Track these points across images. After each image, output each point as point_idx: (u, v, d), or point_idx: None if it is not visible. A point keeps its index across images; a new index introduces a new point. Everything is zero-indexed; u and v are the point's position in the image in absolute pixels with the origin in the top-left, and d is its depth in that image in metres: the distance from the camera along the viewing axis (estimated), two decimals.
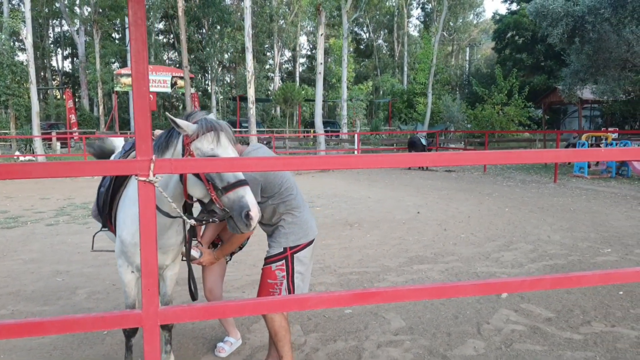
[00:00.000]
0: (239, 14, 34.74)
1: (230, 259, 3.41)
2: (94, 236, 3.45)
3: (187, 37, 24.04)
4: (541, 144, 22.33)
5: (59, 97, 38.65)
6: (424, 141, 18.02)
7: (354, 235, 7.00)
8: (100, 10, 29.03)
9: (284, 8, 41.24)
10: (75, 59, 40.85)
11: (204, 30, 34.87)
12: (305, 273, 2.87)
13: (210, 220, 2.47)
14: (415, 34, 50.88)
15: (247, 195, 2.24)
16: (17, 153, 21.06)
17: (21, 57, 22.21)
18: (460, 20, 49.84)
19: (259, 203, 2.75)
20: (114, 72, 26.74)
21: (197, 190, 2.36)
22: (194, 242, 2.94)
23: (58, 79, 44.45)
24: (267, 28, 41.16)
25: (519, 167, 17.25)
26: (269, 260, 2.81)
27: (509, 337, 3.61)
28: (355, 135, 21.97)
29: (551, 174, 14.23)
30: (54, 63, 46.03)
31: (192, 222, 2.43)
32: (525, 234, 6.93)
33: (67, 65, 46.77)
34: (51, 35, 44.06)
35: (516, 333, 3.68)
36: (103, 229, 3.07)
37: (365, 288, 3.93)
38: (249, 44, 19.73)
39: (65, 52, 45.71)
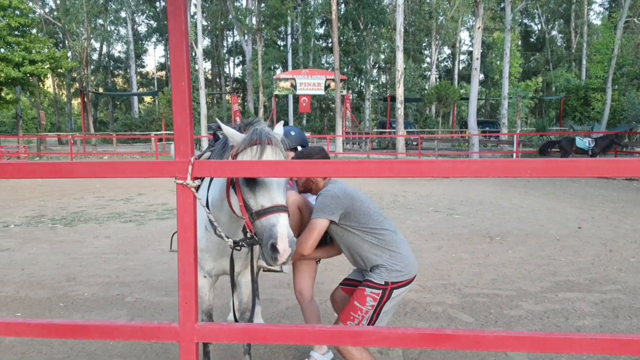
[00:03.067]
0: (395, 13, 34.53)
1: (319, 261, 3.23)
2: (172, 236, 3.45)
3: (340, 40, 24.60)
4: None
5: (230, 101, 43.12)
6: (583, 144, 15.41)
7: (492, 250, 6.19)
8: (267, 19, 31.43)
9: (444, 4, 39.72)
10: (243, 65, 45.33)
11: (359, 32, 35.38)
12: (391, 310, 2.71)
13: (242, 245, 2.24)
14: (597, 22, 44.65)
15: (279, 225, 1.95)
16: None
17: (199, 64, 25.08)
18: None
19: (342, 227, 2.56)
20: (274, 77, 28.68)
21: (236, 208, 2.16)
22: None
23: (230, 84, 49.69)
24: (425, 26, 40.05)
25: None
26: (367, 283, 2.63)
27: None
28: (515, 136, 19.95)
29: None
30: (227, 70, 51.60)
31: (230, 242, 2.24)
32: None
33: (238, 72, 52.12)
34: (225, 45, 49.47)
35: None
36: None
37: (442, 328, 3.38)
38: (399, 43, 19.34)
39: (237, 60, 51.03)
